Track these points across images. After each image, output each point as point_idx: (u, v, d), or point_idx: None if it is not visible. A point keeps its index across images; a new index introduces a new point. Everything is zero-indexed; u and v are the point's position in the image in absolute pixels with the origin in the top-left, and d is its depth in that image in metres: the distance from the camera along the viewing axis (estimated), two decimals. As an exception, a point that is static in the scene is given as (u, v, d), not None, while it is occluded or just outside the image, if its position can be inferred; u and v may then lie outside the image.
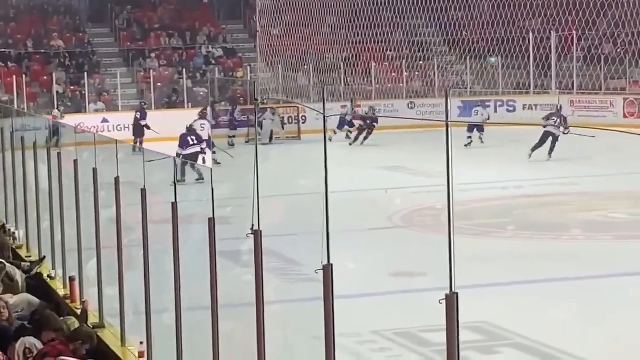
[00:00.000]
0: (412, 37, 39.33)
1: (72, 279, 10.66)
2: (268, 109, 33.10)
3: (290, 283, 12.55)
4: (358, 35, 38.42)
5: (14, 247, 13.38)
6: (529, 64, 37.44)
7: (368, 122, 31.25)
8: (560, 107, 28.16)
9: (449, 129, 4.46)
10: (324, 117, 5.90)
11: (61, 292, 11.05)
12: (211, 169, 9.39)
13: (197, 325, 7.38)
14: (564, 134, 25.12)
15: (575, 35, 36.44)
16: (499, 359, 10.15)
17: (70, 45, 40.56)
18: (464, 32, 39.56)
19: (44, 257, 12.26)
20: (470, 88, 38.34)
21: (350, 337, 10.36)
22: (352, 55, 38.74)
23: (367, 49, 38.89)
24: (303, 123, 34.05)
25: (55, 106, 33.89)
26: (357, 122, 31.99)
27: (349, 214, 16.23)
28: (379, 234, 16.88)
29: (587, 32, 35.98)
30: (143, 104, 33.09)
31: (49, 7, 42.78)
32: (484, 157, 26.33)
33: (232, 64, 41.12)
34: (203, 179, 13.69)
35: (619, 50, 36.70)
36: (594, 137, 20.73)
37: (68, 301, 10.61)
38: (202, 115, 26.76)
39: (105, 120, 34.06)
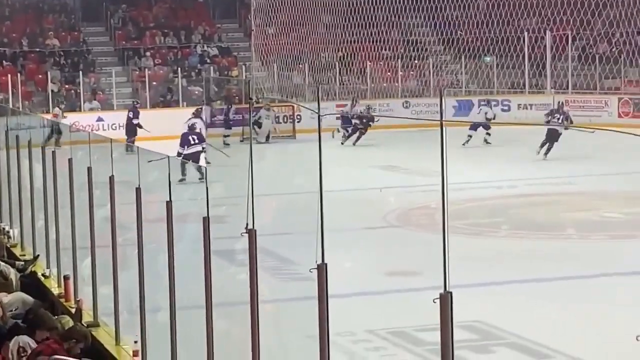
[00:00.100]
0: (407, 36, 39.36)
1: (66, 278, 10.64)
2: (262, 107, 33.07)
3: (285, 282, 12.55)
4: (353, 35, 38.39)
5: (8, 245, 13.36)
6: (523, 64, 37.41)
7: (364, 121, 31.22)
8: (561, 104, 28.17)
9: (444, 128, 4.46)
10: (319, 116, 5.88)
11: (55, 290, 11.03)
12: (206, 168, 9.39)
13: (191, 324, 7.38)
14: (565, 128, 25.11)
15: (570, 35, 36.46)
16: (493, 358, 10.16)
17: (65, 43, 40.51)
18: (459, 32, 39.58)
19: (38, 255, 12.24)
20: (465, 87, 38.35)
21: (344, 336, 10.36)
22: (347, 54, 38.74)
23: (362, 48, 38.88)
24: (298, 122, 34.02)
25: (53, 105, 33.79)
26: (353, 121, 31.94)
27: (344, 213, 16.24)
28: (373, 233, 16.88)
29: (581, 31, 36.02)
30: (135, 102, 33.04)
31: (44, 5, 42.75)
32: (480, 157, 26.34)
33: (227, 63, 41.08)
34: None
35: (613, 49, 36.71)
36: (593, 132, 20.79)
37: (62, 300, 10.60)
38: (197, 114, 26.71)
39: (100, 119, 34.05)
